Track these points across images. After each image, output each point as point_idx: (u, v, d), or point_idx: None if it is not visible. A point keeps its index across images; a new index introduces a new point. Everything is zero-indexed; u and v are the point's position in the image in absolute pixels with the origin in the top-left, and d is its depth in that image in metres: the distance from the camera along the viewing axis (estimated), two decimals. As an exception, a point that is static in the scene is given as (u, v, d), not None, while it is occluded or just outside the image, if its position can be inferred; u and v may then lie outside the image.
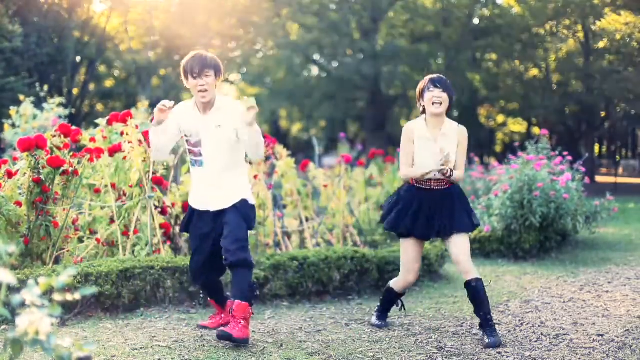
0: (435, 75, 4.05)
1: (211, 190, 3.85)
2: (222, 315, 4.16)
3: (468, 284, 3.94)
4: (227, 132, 3.79)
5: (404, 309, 4.43)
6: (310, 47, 24.67)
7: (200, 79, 3.73)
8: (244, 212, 3.85)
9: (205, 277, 4.04)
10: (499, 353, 3.66)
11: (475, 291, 3.90)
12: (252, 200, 3.95)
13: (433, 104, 3.97)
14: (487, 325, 3.87)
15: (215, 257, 3.90)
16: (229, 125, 3.79)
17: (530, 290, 5.46)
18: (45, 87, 12.15)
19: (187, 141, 3.89)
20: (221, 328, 3.74)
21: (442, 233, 3.98)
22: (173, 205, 5.72)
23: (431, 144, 4.00)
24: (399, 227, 4.04)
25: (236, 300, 3.74)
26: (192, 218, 3.98)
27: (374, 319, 4.34)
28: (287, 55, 24.49)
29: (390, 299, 4.30)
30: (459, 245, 3.96)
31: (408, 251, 4.09)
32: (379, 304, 4.37)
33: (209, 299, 4.25)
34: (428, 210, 3.99)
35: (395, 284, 4.24)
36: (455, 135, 4.03)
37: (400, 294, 4.28)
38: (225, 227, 3.79)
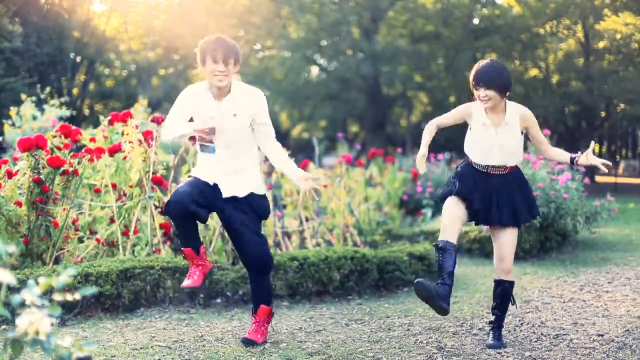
0: (479, 68, 3.76)
1: (224, 176, 3.70)
2: (200, 264, 3.78)
3: (501, 283, 3.84)
4: (243, 121, 3.69)
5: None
6: (310, 47, 24.68)
7: (220, 64, 3.57)
8: (258, 207, 3.76)
9: (192, 207, 3.56)
10: (499, 353, 3.66)
11: (506, 293, 3.83)
12: (263, 190, 3.85)
13: (481, 100, 3.76)
14: (498, 326, 3.87)
15: (203, 210, 3.64)
16: (244, 114, 3.69)
17: (530, 290, 5.46)
18: (47, 90, 12.15)
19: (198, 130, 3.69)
20: (246, 335, 3.78)
21: (494, 222, 3.77)
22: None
23: (491, 131, 3.79)
24: (455, 187, 3.77)
25: (261, 305, 3.81)
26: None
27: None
28: (287, 55, 24.50)
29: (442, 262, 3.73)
30: (508, 240, 3.79)
31: (446, 208, 3.75)
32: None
33: (183, 248, 3.75)
34: (483, 192, 3.76)
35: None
36: (518, 123, 3.80)
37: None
38: (241, 232, 3.68)
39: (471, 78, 3.79)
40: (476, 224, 3.99)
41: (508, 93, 3.77)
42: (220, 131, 3.66)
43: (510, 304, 3.90)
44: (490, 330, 3.90)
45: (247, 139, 3.76)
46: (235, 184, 3.71)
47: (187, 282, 3.74)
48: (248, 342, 3.76)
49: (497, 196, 3.77)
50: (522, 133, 3.85)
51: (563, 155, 3.92)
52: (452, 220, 3.72)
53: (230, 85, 3.69)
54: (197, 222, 3.72)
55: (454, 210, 3.74)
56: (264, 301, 3.83)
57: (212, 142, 3.68)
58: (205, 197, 3.64)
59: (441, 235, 3.73)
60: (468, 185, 3.77)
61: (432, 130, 3.91)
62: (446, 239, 3.68)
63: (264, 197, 3.83)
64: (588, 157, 3.82)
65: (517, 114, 3.81)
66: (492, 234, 3.91)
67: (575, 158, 3.87)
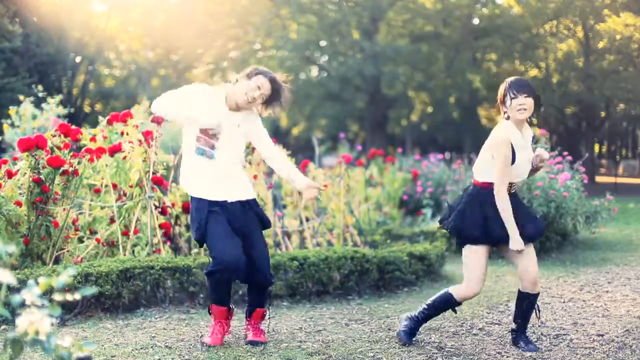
0: (515, 79, 3.75)
1: (225, 181, 3.74)
2: (224, 324, 3.83)
3: (527, 295, 3.73)
4: (244, 133, 3.84)
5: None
6: (310, 47, 24.67)
7: (258, 91, 3.73)
8: (262, 216, 3.86)
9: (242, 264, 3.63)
10: (499, 353, 3.66)
11: (531, 305, 3.75)
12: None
13: (518, 110, 3.65)
14: (522, 331, 3.80)
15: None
16: (246, 126, 3.83)
17: (530, 290, 5.46)
18: (40, 87, 12.13)
19: (202, 129, 3.72)
20: (250, 339, 3.79)
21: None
22: (173, 205, 5.72)
23: (525, 151, 3.74)
24: (471, 231, 3.67)
25: (256, 309, 3.87)
26: (209, 211, 3.71)
27: (402, 334, 3.88)
28: (287, 55, 24.50)
29: (444, 307, 3.81)
30: (530, 254, 3.68)
31: (478, 258, 3.67)
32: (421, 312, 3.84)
33: (217, 305, 3.75)
34: (495, 213, 3.65)
35: (456, 291, 3.76)
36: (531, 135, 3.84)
37: (459, 303, 3.80)
38: (255, 243, 3.76)
39: (506, 88, 3.69)
40: (500, 245, 3.77)
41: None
42: (224, 137, 3.73)
43: (535, 315, 3.82)
44: (516, 337, 3.79)
45: (242, 149, 3.89)
46: (236, 189, 3.77)
47: (207, 340, 3.74)
48: (255, 344, 3.76)
49: (515, 212, 3.65)
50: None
51: None
52: (482, 283, 3.68)
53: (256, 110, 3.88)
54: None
55: (482, 272, 3.66)
56: (261, 305, 3.89)
57: (214, 148, 3.72)
58: (230, 227, 3.70)
59: (471, 294, 3.69)
60: (479, 222, 3.65)
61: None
62: (476, 292, 3.70)
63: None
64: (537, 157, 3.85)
65: (530, 129, 3.83)
66: (506, 252, 3.73)
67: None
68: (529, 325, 4.27)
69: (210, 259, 3.67)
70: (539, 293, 3.76)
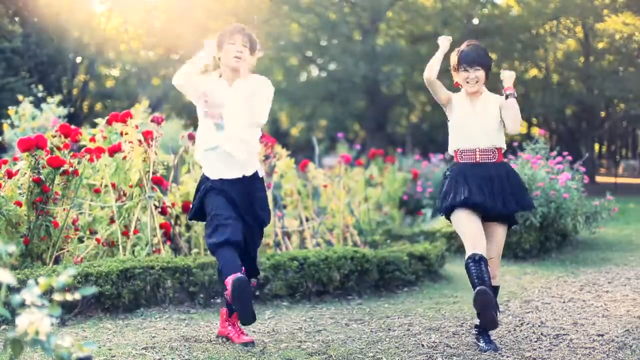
0: (466, 49, 3.79)
1: (231, 151, 3.74)
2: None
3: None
4: (250, 104, 3.79)
5: None
6: (310, 47, 24.67)
7: (238, 45, 3.76)
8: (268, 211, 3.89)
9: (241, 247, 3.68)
10: (499, 353, 3.66)
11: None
12: (263, 172, 3.98)
13: (467, 83, 3.77)
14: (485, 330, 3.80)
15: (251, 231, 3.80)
16: (254, 96, 3.80)
17: (530, 290, 5.46)
18: (40, 87, 12.12)
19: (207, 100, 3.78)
20: (241, 341, 3.75)
21: (491, 211, 3.68)
22: (173, 205, 5.72)
23: (469, 110, 3.80)
24: (446, 201, 3.73)
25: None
26: (211, 189, 3.75)
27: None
28: (286, 55, 24.49)
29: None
30: (494, 239, 3.75)
31: (464, 219, 3.69)
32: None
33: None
34: (479, 183, 3.70)
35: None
36: (497, 103, 3.82)
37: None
38: (251, 232, 3.78)
39: (455, 60, 3.77)
40: (487, 213, 3.80)
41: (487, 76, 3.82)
42: (229, 111, 3.73)
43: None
44: (479, 337, 3.80)
45: (252, 123, 3.84)
46: (243, 159, 3.74)
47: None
48: (249, 345, 3.74)
49: (490, 185, 3.71)
50: (500, 110, 3.82)
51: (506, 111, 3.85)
52: (476, 234, 3.67)
53: (242, 74, 3.81)
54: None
55: (472, 227, 3.67)
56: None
57: (221, 119, 3.73)
58: (237, 209, 3.71)
59: (471, 248, 3.65)
60: (463, 188, 3.71)
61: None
62: (480, 252, 3.62)
63: (264, 183, 3.95)
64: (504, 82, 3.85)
65: (495, 96, 3.85)
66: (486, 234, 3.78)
67: (505, 93, 3.84)
68: (528, 326, 4.27)
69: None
70: (497, 287, 3.81)
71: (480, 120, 3.79)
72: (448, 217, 3.87)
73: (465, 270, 3.70)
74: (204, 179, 3.83)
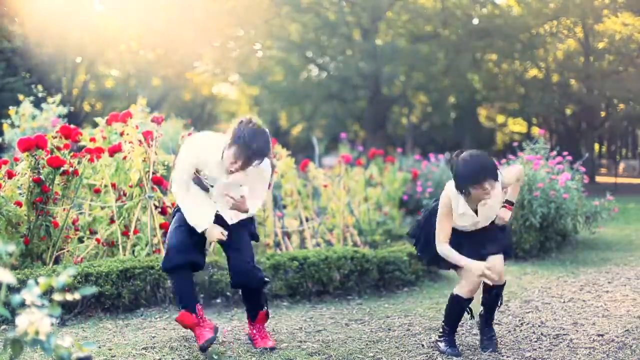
0: (481, 163, 3.40)
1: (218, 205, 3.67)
2: (202, 321, 3.70)
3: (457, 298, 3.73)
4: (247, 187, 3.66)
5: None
6: (310, 47, 24.67)
7: (236, 164, 3.48)
8: (251, 228, 3.78)
9: (189, 258, 3.61)
10: (499, 353, 3.66)
11: (497, 296, 3.81)
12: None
13: (485, 196, 3.46)
14: (486, 326, 3.84)
15: (201, 247, 3.72)
16: (248, 185, 3.65)
17: (530, 290, 5.46)
18: (40, 87, 12.11)
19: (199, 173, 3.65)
20: (259, 345, 3.72)
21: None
22: (173, 205, 5.71)
23: (470, 217, 3.62)
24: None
25: (259, 312, 3.80)
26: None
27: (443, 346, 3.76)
28: (286, 55, 24.49)
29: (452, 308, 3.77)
30: (492, 261, 3.68)
31: (467, 271, 3.60)
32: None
33: (183, 307, 3.63)
34: (468, 242, 3.67)
35: (458, 290, 3.74)
36: (500, 196, 3.65)
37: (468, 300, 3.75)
38: (235, 245, 3.67)
39: (470, 175, 3.39)
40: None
41: None
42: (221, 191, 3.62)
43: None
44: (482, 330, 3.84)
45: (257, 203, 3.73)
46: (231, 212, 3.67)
47: (205, 337, 3.59)
48: (267, 349, 3.71)
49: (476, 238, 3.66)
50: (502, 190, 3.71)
51: (510, 193, 3.81)
52: (476, 287, 3.65)
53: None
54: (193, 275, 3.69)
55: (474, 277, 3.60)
56: (261, 307, 3.81)
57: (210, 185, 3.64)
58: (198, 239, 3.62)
59: (471, 290, 3.66)
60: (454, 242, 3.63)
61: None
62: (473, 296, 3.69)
63: (254, 220, 3.86)
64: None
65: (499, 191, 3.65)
66: None
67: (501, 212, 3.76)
68: (528, 326, 4.27)
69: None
70: (502, 285, 3.77)
71: (482, 218, 3.67)
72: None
73: (452, 301, 3.71)
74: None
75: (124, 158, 5.23)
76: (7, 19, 17.62)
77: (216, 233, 3.58)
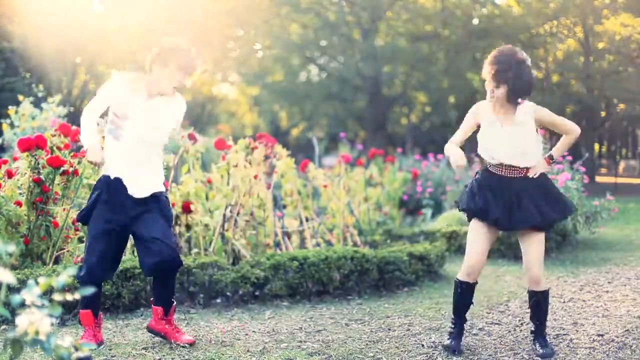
0: (522, 83, 3.60)
1: (130, 169, 3.61)
2: (97, 327, 3.69)
3: (533, 294, 3.69)
4: (166, 122, 3.65)
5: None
6: (310, 47, 24.67)
7: (189, 79, 3.65)
8: (167, 211, 3.71)
9: (106, 276, 3.66)
10: (499, 353, 3.66)
11: (537, 303, 3.70)
12: (163, 188, 3.77)
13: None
14: (539, 333, 3.73)
15: (118, 253, 3.68)
16: (170, 116, 3.66)
17: (530, 290, 5.46)
18: (40, 87, 12.11)
19: (114, 112, 3.66)
20: (184, 341, 3.71)
21: (518, 226, 3.58)
22: (173, 205, 5.71)
23: (497, 128, 3.63)
24: (470, 204, 3.65)
25: (173, 302, 3.80)
26: (101, 196, 3.62)
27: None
28: (286, 55, 24.48)
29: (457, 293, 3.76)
30: (533, 248, 3.60)
31: (476, 233, 3.65)
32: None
33: (88, 310, 3.63)
34: (502, 197, 3.59)
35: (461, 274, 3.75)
36: (532, 120, 3.65)
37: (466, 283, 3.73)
38: (153, 226, 3.58)
39: (492, 70, 3.64)
40: (504, 230, 3.81)
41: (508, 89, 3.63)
42: (134, 121, 3.60)
43: (545, 312, 3.74)
44: (534, 339, 3.74)
45: (162, 138, 3.67)
46: (141, 179, 3.62)
47: (86, 340, 3.55)
48: (190, 344, 3.70)
49: (517, 199, 3.58)
50: (537, 131, 3.71)
51: (559, 147, 3.96)
52: (476, 261, 3.66)
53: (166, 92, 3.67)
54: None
55: (476, 247, 3.65)
56: (173, 294, 3.82)
57: (121, 129, 3.61)
58: (115, 232, 3.59)
59: (467, 270, 3.68)
60: (483, 196, 3.62)
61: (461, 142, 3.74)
62: (471, 281, 3.69)
63: (166, 195, 3.79)
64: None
65: (530, 112, 3.66)
66: (520, 241, 3.71)
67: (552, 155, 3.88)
68: (528, 326, 4.26)
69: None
70: (545, 291, 3.68)
71: (507, 139, 3.63)
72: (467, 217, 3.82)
73: (454, 287, 3.78)
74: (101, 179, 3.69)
75: (124, 158, 5.22)
76: (6, 19, 17.61)
77: (97, 154, 3.57)
